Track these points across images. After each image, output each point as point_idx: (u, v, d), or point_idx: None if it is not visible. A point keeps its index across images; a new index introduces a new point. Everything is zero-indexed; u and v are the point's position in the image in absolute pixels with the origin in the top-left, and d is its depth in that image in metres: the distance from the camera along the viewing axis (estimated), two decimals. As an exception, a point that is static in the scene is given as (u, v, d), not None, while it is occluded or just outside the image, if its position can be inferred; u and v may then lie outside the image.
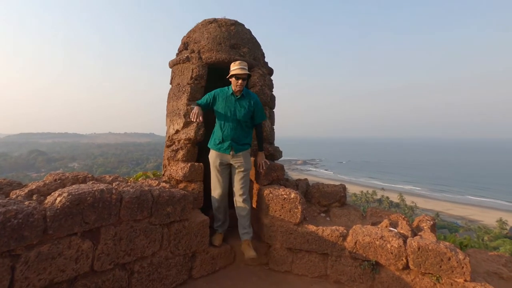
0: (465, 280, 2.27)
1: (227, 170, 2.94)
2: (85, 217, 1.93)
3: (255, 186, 3.22)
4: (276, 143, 3.76)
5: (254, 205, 3.25)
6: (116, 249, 2.08)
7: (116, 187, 2.33)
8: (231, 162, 2.87)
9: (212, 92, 2.93)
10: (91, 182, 2.43)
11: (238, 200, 2.88)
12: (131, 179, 3.86)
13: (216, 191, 2.95)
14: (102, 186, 2.13)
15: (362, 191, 62.50)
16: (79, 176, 2.62)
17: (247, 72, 2.79)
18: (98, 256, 1.98)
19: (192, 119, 2.71)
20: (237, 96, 2.85)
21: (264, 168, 2.98)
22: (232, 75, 2.79)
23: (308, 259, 2.77)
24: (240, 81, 2.76)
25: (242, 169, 2.86)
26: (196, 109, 2.72)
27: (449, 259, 2.30)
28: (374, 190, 63.49)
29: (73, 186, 2.10)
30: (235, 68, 2.77)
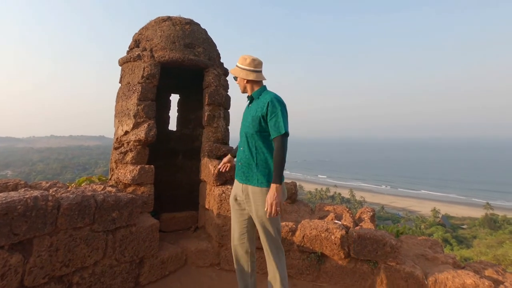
0: (397, 263, 2.56)
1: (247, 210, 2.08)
2: (14, 228, 1.75)
3: (208, 187, 3.22)
4: (233, 143, 3.80)
5: (206, 206, 3.25)
6: (52, 261, 1.92)
7: (53, 193, 2.16)
8: (243, 199, 2.04)
9: None
10: (23, 189, 2.21)
11: (268, 267, 2.01)
12: (72, 184, 3.58)
13: (233, 238, 2.14)
14: (36, 193, 1.96)
15: (316, 189, 65.74)
16: (8, 184, 2.38)
17: (238, 66, 2.08)
18: (30, 270, 1.81)
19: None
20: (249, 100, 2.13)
21: (268, 211, 1.80)
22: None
23: (259, 256, 2.85)
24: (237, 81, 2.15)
25: (254, 216, 1.98)
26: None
27: (384, 245, 2.57)
28: (327, 188, 67.21)
29: (0, 194, 1.90)
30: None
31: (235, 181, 2.14)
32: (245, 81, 2.08)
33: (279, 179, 1.82)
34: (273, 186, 1.81)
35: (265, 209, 1.82)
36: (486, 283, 2.28)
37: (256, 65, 2.06)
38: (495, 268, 2.71)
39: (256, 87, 2.08)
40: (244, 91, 2.12)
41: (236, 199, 2.10)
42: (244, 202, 2.02)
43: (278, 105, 1.91)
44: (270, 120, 1.90)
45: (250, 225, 2.08)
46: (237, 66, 2.10)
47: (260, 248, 2.15)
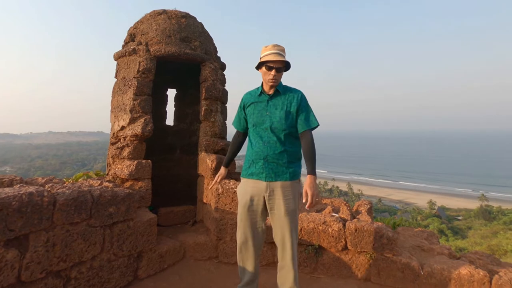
0: (394, 255, 2.59)
1: (264, 211, 1.96)
2: (9, 224, 1.74)
3: (206, 181, 3.22)
4: (231, 138, 3.78)
5: (204, 200, 3.26)
6: (49, 256, 1.92)
7: (49, 189, 2.15)
8: (265, 196, 1.91)
9: (241, 101, 2.11)
10: (18, 185, 2.19)
11: (281, 265, 1.94)
12: (69, 180, 3.57)
13: (244, 244, 1.97)
14: (31, 189, 1.95)
15: (315, 182, 66.08)
16: (3, 180, 2.36)
17: (285, 59, 1.89)
18: (27, 265, 1.81)
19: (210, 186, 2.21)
20: (269, 94, 1.98)
21: (309, 201, 1.76)
22: (262, 64, 1.92)
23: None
24: (273, 72, 1.87)
25: (282, 211, 1.86)
26: (217, 175, 2.17)
27: (381, 237, 2.60)
28: (325, 181, 67.61)
29: (-5, 190, 1.88)
30: (267, 53, 1.89)
31: (252, 180, 1.95)
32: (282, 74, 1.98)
33: (315, 170, 1.85)
34: (312, 177, 1.81)
35: (304, 200, 1.78)
36: (481, 273, 2.31)
37: None
38: (489, 258, 2.75)
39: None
40: (275, 85, 1.95)
41: (252, 200, 1.92)
42: (268, 199, 1.89)
43: (306, 100, 1.98)
44: (301, 114, 1.92)
45: (264, 222, 2.00)
46: (282, 55, 1.89)
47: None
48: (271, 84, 1.93)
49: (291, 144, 1.94)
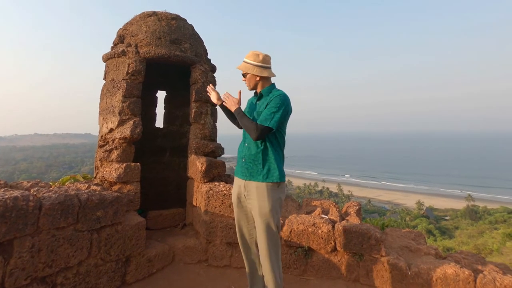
0: (382, 255, 2.63)
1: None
2: (-8, 230, 1.69)
3: (195, 184, 3.21)
4: (221, 140, 3.78)
5: (194, 203, 3.24)
6: (34, 262, 1.88)
7: (34, 193, 2.10)
8: (245, 195, 2.02)
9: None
10: (2, 189, 2.14)
11: (262, 267, 2.01)
12: (56, 183, 3.49)
13: (240, 244, 2.15)
14: (16, 193, 1.90)
15: (305, 184, 66.50)
16: (-14, 184, 2.29)
17: (248, 63, 2.03)
18: (11, 271, 1.76)
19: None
20: (257, 97, 2.14)
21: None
22: None
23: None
24: (243, 78, 2.11)
25: (257, 212, 1.93)
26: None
27: (369, 238, 2.63)
28: (316, 182, 68.09)
29: (-22, 195, 1.83)
30: None
31: (236, 178, 2.10)
32: (258, 78, 2.03)
33: (238, 112, 2.00)
34: (236, 109, 2.01)
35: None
36: (466, 273, 2.37)
37: (268, 62, 2.05)
38: (474, 258, 2.82)
39: (266, 84, 2.08)
40: (253, 88, 2.11)
41: (239, 197, 2.06)
42: (245, 199, 2.00)
43: (284, 103, 1.94)
44: (268, 108, 1.92)
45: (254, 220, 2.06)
46: (247, 62, 2.04)
47: None
48: (250, 88, 2.12)
49: (269, 146, 1.96)
